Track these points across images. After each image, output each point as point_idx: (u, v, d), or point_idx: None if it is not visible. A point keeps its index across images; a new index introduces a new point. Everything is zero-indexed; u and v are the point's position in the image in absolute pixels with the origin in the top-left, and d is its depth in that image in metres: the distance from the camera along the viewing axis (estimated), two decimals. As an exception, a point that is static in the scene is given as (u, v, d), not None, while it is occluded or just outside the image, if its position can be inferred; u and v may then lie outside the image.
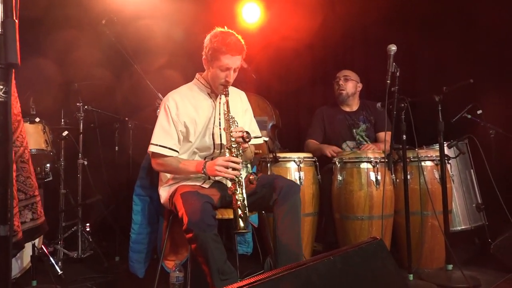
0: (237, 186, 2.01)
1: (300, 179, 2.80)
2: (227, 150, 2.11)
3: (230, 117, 2.13)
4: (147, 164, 2.51)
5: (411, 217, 2.51)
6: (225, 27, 2.20)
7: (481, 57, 3.54)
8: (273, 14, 4.12)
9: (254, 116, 2.46)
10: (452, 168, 2.94)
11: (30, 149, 2.76)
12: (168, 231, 2.30)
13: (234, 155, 2.08)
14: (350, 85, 3.31)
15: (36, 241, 2.46)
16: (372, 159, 2.70)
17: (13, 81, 1.54)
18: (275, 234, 2.10)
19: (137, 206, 2.54)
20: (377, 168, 2.69)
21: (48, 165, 3.06)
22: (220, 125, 2.22)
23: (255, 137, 2.37)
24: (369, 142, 3.22)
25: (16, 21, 1.23)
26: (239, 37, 2.16)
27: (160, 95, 2.93)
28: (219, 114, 2.23)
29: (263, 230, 2.80)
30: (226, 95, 2.15)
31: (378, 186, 2.67)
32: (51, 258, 2.74)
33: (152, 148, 2.17)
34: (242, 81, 2.48)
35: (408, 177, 2.59)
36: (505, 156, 3.13)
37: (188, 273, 2.22)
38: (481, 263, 2.72)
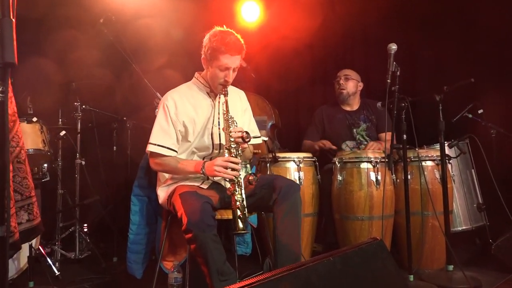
0: (236, 187, 2.01)
1: (299, 179, 2.80)
2: (226, 150, 2.11)
3: (229, 117, 2.13)
4: (145, 164, 2.51)
5: (412, 217, 2.51)
6: (224, 26, 2.20)
7: (482, 56, 3.54)
8: (272, 13, 4.12)
9: (254, 116, 2.46)
10: (453, 168, 2.95)
11: (28, 149, 2.76)
12: (167, 231, 2.30)
13: (233, 155, 2.08)
14: (351, 85, 3.31)
15: (33, 241, 2.46)
16: (372, 159, 2.70)
17: (9, 81, 1.54)
18: (275, 234, 2.10)
19: (135, 206, 2.54)
20: (377, 168, 2.69)
21: (45, 165, 3.06)
22: (219, 124, 2.22)
23: (254, 137, 2.37)
24: (370, 141, 3.22)
25: (13, 20, 1.23)
26: (239, 36, 2.16)
27: (158, 95, 2.93)
28: (218, 113, 2.23)
29: (262, 230, 2.80)
30: (225, 94, 2.15)
31: (378, 186, 2.67)
32: (48, 259, 2.74)
33: (150, 148, 2.17)
34: (242, 81, 2.48)
35: (409, 177, 2.59)
36: (506, 156, 3.14)
37: (186, 274, 2.22)
38: (482, 263, 2.72)
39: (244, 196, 2.02)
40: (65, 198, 3.19)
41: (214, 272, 1.89)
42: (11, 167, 1.76)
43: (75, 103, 3.22)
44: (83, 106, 3.24)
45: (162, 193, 2.27)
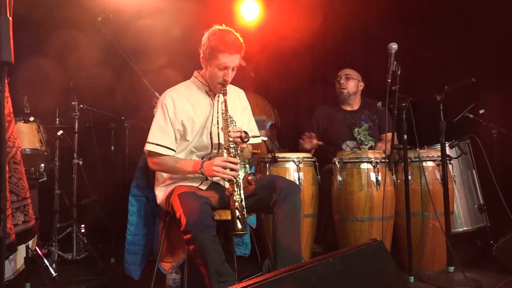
0: (235, 187, 2.02)
1: (299, 179, 2.80)
2: (225, 150, 2.11)
3: (228, 116, 2.13)
4: (143, 164, 2.50)
5: (412, 218, 2.51)
6: (223, 25, 2.20)
7: (483, 56, 3.55)
8: (272, 12, 4.12)
9: (253, 116, 2.46)
10: (453, 168, 2.95)
11: (24, 149, 2.77)
12: (165, 232, 2.30)
13: (232, 155, 2.08)
14: (351, 84, 3.31)
15: (30, 242, 2.45)
16: (372, 159, 2.71)
17: (6, 80, 1.53)
18: (275, 236, 2.10)
19: (133, 207, 2.54)
20: (378, 168, 2.69)
21: (42, 165, 3.06)
22: (218, 124, 2.22)
23: (254, 137, 2.37)
24: (372, 141, 3.22)
25: (10, 18, 1.23)
26: (238, 35, 2.16)
27: (157, 94, 2.93)
28: (217, 113, 2.23)
29: (261, 231, 2.80)
30: (224, 94, 2.15)
31: (378, 187, 2.67)
32: (45, 260, 2.73)
33: (148, 147, 2.17)
34: (241, 80, 2.48)
35: (409, 177, 2.59)
36: (508, 156, 3.14)
37: (185, 275, 2.22)
38: (483, 265, 2.72)
39: (243, 196, 2.02)
40: (62, 199, 3.19)
41: (213, 273, 1.89)
42: (7, 168, 1.75)
43: (73, 103, 3.22)
44: (81, 106, 3.24)
45: (160, 193, 2.27)
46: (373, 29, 3.98)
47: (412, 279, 2.42)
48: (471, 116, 3.13)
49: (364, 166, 2.72)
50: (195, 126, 2.21)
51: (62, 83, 3.31)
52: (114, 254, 3.11)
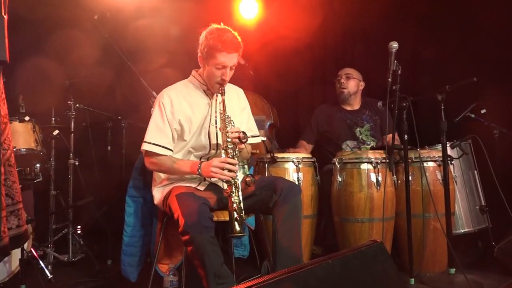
0: (233, 188, 2.02)
1: (298, 180, 2.81)
2: (223, 151, 2.11)
3: (226, 116, 2.13)
4: (140, 164, 2.50)
5: (413, 219, 2.52)
6: (222, 23, 2.20)
7: (485, 55, 3.55)
8: (271, 10, 4.12)
9: (252, 115, 2.46)
10: (455, 169, 2.95)
11: (20, 149, 2.77)
12: (162, 233, 2.30)
13: (230, 156, 2.08)
14: (352, 84, 3.31)
15: (25, 244, 2.45)
16: (372, 160, 2.71)
17: (1, 80, 1.53)
18: (274, 237, 2.10)
19: (130, 207, 2.54)
20: (378, 169, 2.70)
21: (38, 165, 3.06)
22: (216, 123, 2.22)
23: (253, 136, 2.37)
24: (374, 141, 3.23)
25: (5, 16, 1.23)
26: (236, 34, 2.16)
27: (154, 93, 2.92)
28: (216, 112, 2.23)
29: (260, 233, 2.80)
30: (222, 94, 2.15)
31: (379, 188, 2.68)
32: (40, 262, 2.73)
33: (145, 146, 2.17)
34: (239, 79, 2.47)
35: (410, 178, 2.60)
36: (510, 156, 3.14)
37: (182, 277, 2.22)
38: (485, 266, 2.73)
39: (241, 198, 2.02)
40: (58, 199, 3.19)
41: (211, 275, 1.89)
42: (2, 170, 1.75)
43: (69, 102, 3.22)
44: (77, 105, 3.24)
45: (157, 193, 2.27)
46: (373, 28, 3.98)
47: (412, 281, 2.43)
48: (473, 116, 3.13)
49: (364, 166, 2.72)
50: (193, 125, 2.21)
51: (58, 82, 3.31)
52: (111, 256, 3.11)
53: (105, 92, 3.71)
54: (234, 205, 1.98)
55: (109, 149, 3.47)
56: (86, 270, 2.94)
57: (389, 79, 2.42)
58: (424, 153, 2.76)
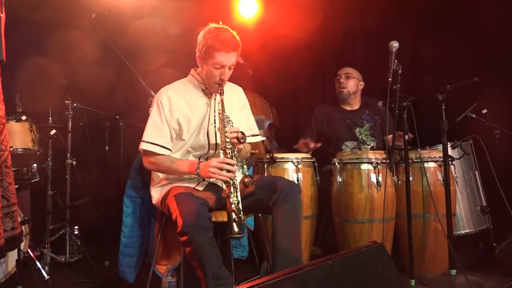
0: (232, 189, 2.02)
1: (298, 180, 2.81)
2: (221, 151, 2.11)
3: (225, 116, 2.13)
4: (138, 164, 2.50)
5: (413, 220, 2.52)
6: (220, 22, 2.20)
7: (486, 55, 3.56)
8: (271, 9, 4.12)
9: (251, 115, 2.46)
10: (456, 169, 2.96)
11: (16, 149, 2.76)
12: (160, 234, 2.30)
13: (229, 156, 2.08)
14: (351, 84, 3.31)
15: (22, 244, 2.45)
16: (373, 160, 2.71)
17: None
18: (274, 237, 2.10)
19: (128, 208, 2.54)
20: (378, 169, 2.70)
21: (35, 165, 3.06)
22: (215, 123, 2.22)
23: (253, 135, 2.37)
24: (374, 141, 3.23)
25: (2, 15, 1.23)
26: (234, 33, 2.16)
27: (152, 93, 2.92)
28: (215, 112, 2.23)
29: (259, 233, 2.80)
30: (221, 93, 2.15)
31: (379, 188, 2.68)
32: (37, 262, 2.73)
33: (143, 146, 2.17)
34: (238, 78, 2.47)
35: (410, 178, 2.60)
36: (511, 157, 3.15)
37: (180, 278, 2.22)
38: (486, 268, 2.73)
39: (239, 198, 2.02)
40: (55, 200, 3.19)
41: (209, 276, 1.89)
42: (-1, 172, 1.75)
43: (66, 101, 3.22)
44: (74, 104, 3.24)
45: (155, 193, 2.27)
46: (373, 27, 3.98)
47: (413, 282, 2.43)
48: (474, 116, 3.14)
49: (365, 167, 2.73)
50: (191, 125, 2.21)
51: (55, 81, 3.31)
52: (108, 257, 3.11)
53: (103, 91, 3.71)
54: (233, 206, 1.98)
55: (107, 149, 3.47)
56: (83, 271, 2.94)
57: (390, 79, 2.42)
58: (425, 153, 2.76)
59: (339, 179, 2.79)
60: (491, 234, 3.02)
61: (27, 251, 2.65)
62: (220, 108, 2.14)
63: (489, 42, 3.56)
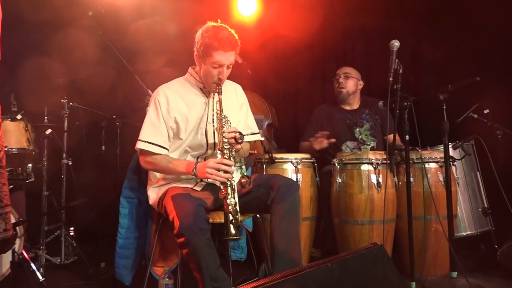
0: (229, 190, 2.01)
1: (297, 181, 2.80)
2: (218, 152, 2.10)
3: (223, 116, 2.13)
4: (135, 165, 2.50)
5: (414, 222, 2.52)
6: (219, 20, 2.19)
7: (487, 54, 3.56)
8: (270, 7, 4.13)
9: (249, 114, 2.46)
10: (457, 170, 2.96)
11: (11, 148, 2.76)
12: (157, 235, 2.30)
13: (226, 157, 2.08)
14: (350, 83, 3.31)
15: (17, 246, 2.45)
16: (373, 161, 2.71)
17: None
18: (271, 237, 2.10)
19: (124, 209, 2.53)
20: (379, 170, 2.70)
21: (30, 165, 3.05)
22: (213, 122, 2.21)
23: (252, 134, 2.37)
24: (374, 141, 3.23)
25: (-2, 14, 1.22)
26: (233, 31, 2.16)
27: (149, 92, 2.92)
28: (213, 111, 2.23)
29: (258, 235, 2.80)
30: (219, 93, 2.15)
31: (379, 189, 2.68)
32: (32, 264, 2.72)
33: (140, 145, 2.17)
34: (237, 77, 2.47)
35: (411, 179, 2.60)
36: (513, 158, 3.16)
37: (178, 281, 2.21)
38: (487, 270, 2.73)
39: (237, 200, 2.02)
40: (50, 200, 3.18)
41: (207, 278, 1.88)
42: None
43: (62, 100, 3.21)
44: (70, 103, 3.23)
45: (153, 194, 2.27)
46: (373, 27, 3.98)
47: (413, 285, 2.43)
48: (475, 116, 3.14)
49: (365, 167, 2.73)
50: (189, 124, 2.21)
51: (51, 80, 3.30)
52: (104, 258, 3.10)
53: (99, 90, 3.71)
54: (230, 207, 1.98)
55: (103, 148, 3.47)
56: (79, 273, 2.93)
57: (390, 78, 2.42)
58: (426, 154, 2.76)
59: (339, 180, 2.79)
60: (493, 236, 3.02)
61: (22, 253, 2.64)
62: (218, 108, 2.14)
63: (491, 41, 3.56)
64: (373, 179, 2.70)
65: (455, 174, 2.90)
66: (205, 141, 2.23)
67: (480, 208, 3.09)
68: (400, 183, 2.79)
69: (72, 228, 3.24)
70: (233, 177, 2.05)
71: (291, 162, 2.85)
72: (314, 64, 4.24)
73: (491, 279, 2.60)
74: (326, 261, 1.48)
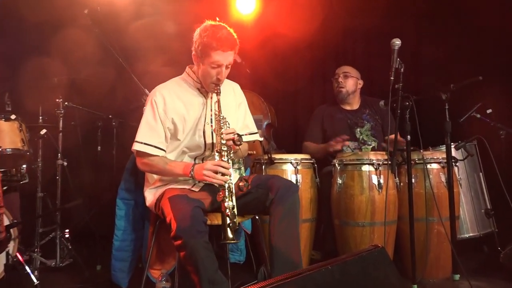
0: (227, 193, 2.01)
1: (297, 182, 2.80)
2: (216, 154, 2.10)
3: (221, 117, 2.12)
4: (132, 165, 2.50)
5: (416, 223, 2.52)
6: (217, 18, 2.19)
7: (490, 53, 3.56)
8: (269, 5, 4.13)
9: (248, 114, 2.46)
10: (459, 171, 2.96)
11: (5, 149, 2.75)
12: (154, 237, 2.30)
13: (224, 159, 2.08)
14: (350, 83, 3.31)
15: (10, 248, 2.44)
16: (374, 161, 2.71)
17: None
18: (271, 239, 2.09)
19: (120, 210, 2.53)
20: (380, 170, 2.70)
21: (24, 166, 3.04)
22: (212, 122, 2.21)
23: (250, 134, 2.37)
24: (375, 141, 3.23)
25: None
26: (231, 30, 2.15)
27: (146, 91, 2.92)
28: (211, 111, 2.23)
29: (257, 237, 2.80)
30: (218, 93, 2.15)
31: (380, 190, 2.68)
32: (26, 267, 2.71)
33: (136, 146, 2.17)
34: (236, 76, 2.47)
35: (413, 180, 2.60)
36: (516, 158, 3.16)
37: (175, 284, 2.21)
38: (490, 273, 2.73)
39: (234, 203, 2.02)
40: (45, 202, 3.18)
41: (205, 281, 1.89)
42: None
43: (57, 100, 3.20)
44: (66, 103, 3.23)
45: (149, 195, 2.27)
46: (373, 26, 3.98)
47: (415, 287, 2.43)
48: (478, 116, 3.14)
49: (366, 168, 2.73)
50: (187, 125, 2.21)
51: (46, 79, 3.30)
52: (100, 261, 3.10)
53: (95, 90, 3.70)
54: (227, 210, 1.97)
55: (99, 149, 3.47)
56: (74, 276, 2.93)
57: (392, 77, 2.42)
58: (428, 154, 2.77)
59: (339, 181, 2.79)
60: (496, 238, 3.02)
61: (16, 255, 2.63)
62: (217, 109, 2.14)
63: (492, 41, 3.57)
64: (374, 180, 2.70)
65: (457, 175, 2.91)
66: (203, 142, 2.23)
67: (483, 210, 3.09)
68: (401, 184, 2.79)
69: (67, 230, 3.23)
70: (231, 179, 2.04)
71: (291, 162, 2.85)
72: (314, 64, 4.24)
73: (494, 281, 2.60)
74: (326, 263, 1.48)
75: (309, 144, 3.33)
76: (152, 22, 3.79)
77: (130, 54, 3.30)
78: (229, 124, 2.15)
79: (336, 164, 2.83)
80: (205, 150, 2.25)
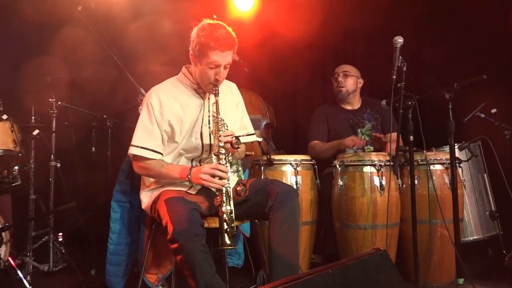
0: (224, 198, 2.01)
1: (297, 183, 2.81)
2: (214, 157, 2.10)
3: (219, 119, 2.12)
4: (127, 167, 2.50)
5: (419, 226, 2.51)
6: (214, 16, 2.19)
7: (494, 52, 3.57)
8: (268, 2, 4.13)
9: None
10: (463, 172, 2.97)
11: (-3, 150, 2.75)
12: (150, 241, 2.29)
13: (222, 162, 2.07)
14: (350, 82, 3.31)
15: (2, 252, 2.44)
16: (376, 162, 2.72)
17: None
18: (270, 244, 2.10)
19: (115, 213, 2.53)
20: (382, 172, 2.70)
21: (16, 167, 3.03)
22: (209, 123, 2.21)
23: (248, 135, 2.37)
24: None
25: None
26: (230, 29, 2.15)
27: (142, 90, 2.92)
28: (209, 112, 2.23)
29: (255, 240, 2.80)
30: (216, 94, 2.14)
31: (382, 192, 2.68)
32: (18, 272, 2.71)
33: (132, 150, 2.16)
34: (234, 75, 2.47)
35: (416, 182, 2.61)
36: (521, 159, 3.17)
37: (172, 288, 2.21)
38: (495, 276, 2.74)
39: (232, 207, 2.01)
40: (38, 204, 3.17)
41: (202, 285, 1.88)
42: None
43: (50, 99, 3.20)
44: (59, 103, 3.22)
45: (145, 197, 2.27)
46: (374, 26, 3.99)
47: (418, 291, 2.43)
48: (482, 115, 3.15)
49: (367, 169, 2.73)
50: (184, 126, 2.21)
51: (39, 78, 3.29)
52: (95, 265, 3.10)
53: (89, 89, 3.71)
54: (225, 215, 1.97)
55: (93, 150, 3.46)
56: (68, 280, 2.93)
57: (394, 76, 2.42)
58: (431, 155, 2.77)
59: (340, 182, 2.79)
60: (501, 240, 3.03)
61: (8, 260, 2.63)
62: (215, 111, 2.13)
63: (493, 40, 3.57)
64: (376, 181, 2.70)
65: (461, 176, 2.91)
66: (200, 144, 2.23)
67: (488, 212, 3.10)
68: (404, 185, 2.79)
69: (60, 234, 3.24)
70: (228, 183, 2.04)
71: (290, 164, 2.85)
72: (314, 63, 4.25)
73: (499, 285, 2.61)
74: (327, 267, 1.49)
75: (316, 143, 3.29)
76: (150, 21, 3.79)
77: (128, 53, 3.30)
78: (227, 126, 2.14)
79: (337, 165, 2.83)
80: (202, 152, 2.25)
